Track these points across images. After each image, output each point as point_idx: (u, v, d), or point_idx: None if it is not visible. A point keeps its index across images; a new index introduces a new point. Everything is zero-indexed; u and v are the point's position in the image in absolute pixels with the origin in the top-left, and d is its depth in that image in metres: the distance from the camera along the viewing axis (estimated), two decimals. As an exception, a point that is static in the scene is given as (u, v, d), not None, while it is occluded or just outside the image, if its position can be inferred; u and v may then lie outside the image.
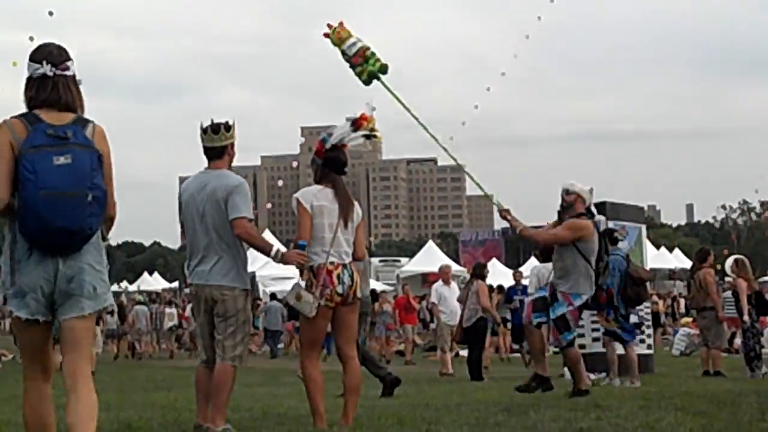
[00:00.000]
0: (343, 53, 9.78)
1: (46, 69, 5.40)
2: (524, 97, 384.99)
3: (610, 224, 17.01)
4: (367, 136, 8.43)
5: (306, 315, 7.94)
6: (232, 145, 8.14)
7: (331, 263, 7.97)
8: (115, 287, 75.39)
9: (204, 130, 8.06)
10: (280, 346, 35.52)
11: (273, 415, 9.56)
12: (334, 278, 7.95)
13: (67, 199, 5.11)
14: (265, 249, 7.93)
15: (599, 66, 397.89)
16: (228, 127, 8.07)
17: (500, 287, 23.30)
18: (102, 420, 9.16)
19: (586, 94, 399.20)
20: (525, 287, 21.76)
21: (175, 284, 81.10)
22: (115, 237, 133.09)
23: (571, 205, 10.92)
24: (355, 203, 8.29)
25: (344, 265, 8.04)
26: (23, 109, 5.41)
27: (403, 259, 60.33)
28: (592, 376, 14.98)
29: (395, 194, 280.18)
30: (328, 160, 8.30)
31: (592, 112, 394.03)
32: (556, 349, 21.65)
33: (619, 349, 14.97)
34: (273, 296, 33.09)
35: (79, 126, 5.31)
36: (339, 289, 7.94)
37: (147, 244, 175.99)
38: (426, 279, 46.59)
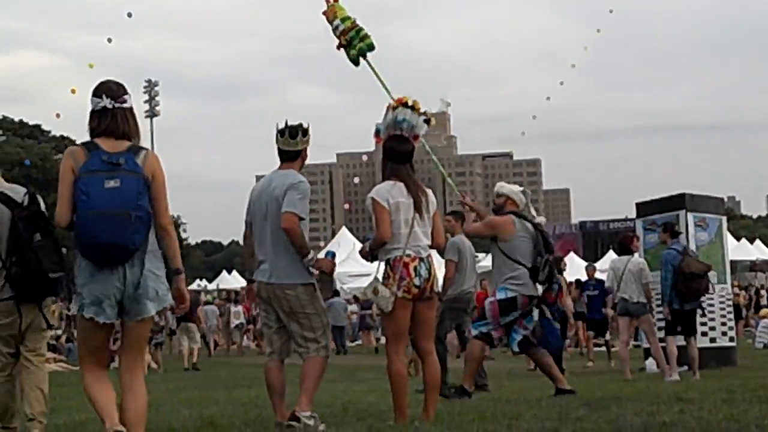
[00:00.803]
0: (334, 30, 10.01)
1: (106, 102, 6.11)
2: (600, 89, 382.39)
3: (690, 217, 16.88)
4: (426, 121, 8.40)
5: (383, 309, 7.97)
6: (306, 149, 8.23)
7: (408, 255, 7.98)
8: (194, 285, 76.15)
9: (281, 133, 8.15)
10: (359, 342, 35.72)
11: (353, 411, 9.59)
12: (411, 270, 7.95)
13: (114, 218, 5.81)
14: (302, 250, 7.94)
15: (675, 57, 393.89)
16: (305, 132, 8.15)
17: (578, 281, 23.07)
18: (185, 417, 9.32)
19: (662, 85, 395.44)
20: (598, 281, 21.80)
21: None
22: (193, 236, 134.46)
23: (501, 207, 11.14)
24: (428, 191, 8.25)
25: (421, 259, 8.05)
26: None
27: (481, 255, 60.11)
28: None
29: (471, 189, 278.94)
30: (388, 150, 8.30)
31: (668, 103, 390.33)
32: (637, 343, 21.55)
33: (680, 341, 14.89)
34: (336, 293, 33.58)
35: (131, 153, 6.01)
36: (416, 282, 7.94)
37: (225, 243, 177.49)
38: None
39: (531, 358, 10.87)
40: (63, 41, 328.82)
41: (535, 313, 10.92)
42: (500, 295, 10.87)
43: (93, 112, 6.15)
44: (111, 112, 6.10)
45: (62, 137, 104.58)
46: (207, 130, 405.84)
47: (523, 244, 10.83)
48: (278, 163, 8.23)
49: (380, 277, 7.99)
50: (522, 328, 10.91)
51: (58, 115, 71.66)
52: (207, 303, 38.49)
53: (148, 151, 6.13)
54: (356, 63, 9.93)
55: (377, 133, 8.41)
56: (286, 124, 8.15)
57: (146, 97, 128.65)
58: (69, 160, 6.02)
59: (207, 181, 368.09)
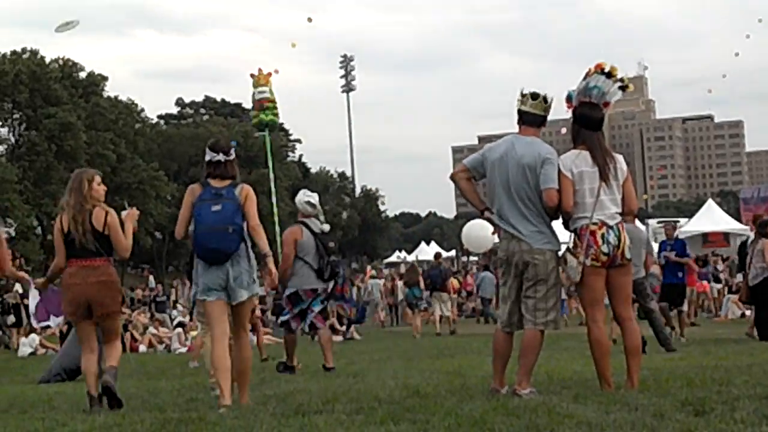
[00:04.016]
0: (252, 95, 12.08)
1: (220, 157, 8.64)
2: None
3: None
4: (621, 87, 8.28)
5: (572, 279, 7.96)
6: (545, 119, 8.20)
7: (594, 224, 7.92)
8: (393, 257, 76.98)
9: (523, 95, 8.18)
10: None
11: (558, 380, 9.55)
12: (598, 238, 7.91)
13: (217, 232, 8.33)
14: (553, 219, 8.12)
15: None
16: (545, 99, 8.14)
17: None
18: (391, 387, 9.46)
19: None
20: (677, 241, 19.64)
21: (452, 253, 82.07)
22: (391, 209, 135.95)
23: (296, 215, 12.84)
24: (618, 157, 8.18)
25: (609, 226, 7.97)
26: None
27: (682, 220, 58.93)
28: None
29: (670, 154, 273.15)
30: (579, 117, 8.22)
31: None
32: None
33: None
34: (486, 267, 33.86)
35: (231, 188, 8.53)
36: (604, 249, 7.90)
37: (423, 214, 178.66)
38: (707, 239, 45.37)
39: (319, 336, 13.21)
40: (259, 20, 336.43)
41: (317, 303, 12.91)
42: (287, 291, 12.88)
43: (210, 162, 8.62)
44: (222, 163, 8.61)
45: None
46: (402, 102, 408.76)
47: (307, 247, 12.74)
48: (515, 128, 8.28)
49: (570, 247, 7.98)
50: (310, 312, 12.87)
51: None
52: (372, 278, 38.77)
53: (243, 185, 8.61)
54: (261, 129, 11.68)
55: (569, 98, 8.35)
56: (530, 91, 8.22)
57: (342, 72, 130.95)
58: (189, 194, 8.58)
59: (403, 153, 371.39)
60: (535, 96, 8.17)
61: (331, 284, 13.00)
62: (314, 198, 13.11)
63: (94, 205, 8.94)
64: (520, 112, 8.24)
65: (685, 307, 19.58)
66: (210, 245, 8.33)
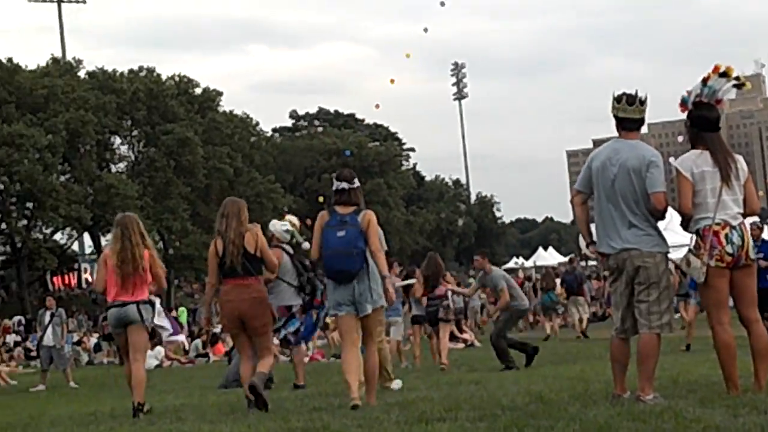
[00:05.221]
0: None
1: (345, 185, 9.57)
2: None
3: None
4: (736, 85, 8.14)
5: (697, 280, 7.87)
6: (644, 120, 8.12)
7: (717, 224, 7.80)
8: (511, 263, 76.69)
9: (617, 99, 8.09)
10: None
11: (683, 383, 9.44)
12: (722, 239, 7.78)
13: (342, 255, 9.29)
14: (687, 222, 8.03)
15: None
16: (642, 101, 8.06)
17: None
18: (513, 393, 9.44)
19: None
20: (765, 242, 17.66)
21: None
22: (507, 215, 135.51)
23: (270, 240, 13.26)
24: (738, 158, 8.04)
25: (732, 227, 7.84)
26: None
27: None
28: None
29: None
30: (695, 120, 8.11)
31: None
32: None
33: None
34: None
35: (354, 214, 9.45)
36: (728, 249, 7.78)
37: (539, 219, 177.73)
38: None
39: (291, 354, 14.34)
40: (369, 31, 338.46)
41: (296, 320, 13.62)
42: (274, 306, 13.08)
43: (336, 190, 9.58)
44: (347, 192, 9.55)
45: (376, 125, 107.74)
46: (515, 107, 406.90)
47: (285, 268, 13.44)
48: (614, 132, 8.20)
49: (692, 248, 7.87)
50: (284, 328, 13.48)
51: (377, 106, 74.09)
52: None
53: (366, 211, 9.54)
54: None
55: (683, 102, 8.25)
56: (624, 93, 8.11)
57: (453, 80, 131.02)
58: (319, 220, 9.49)
59: (517, 159, 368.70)
60: (630, 101, 8.05)
61: (307, 298, 13.79)
62: (287, 225, 14.28)
63: (247, 230, 10.03)
64: (617, 118, 8.12)
65: None
66: (336, 267, 9.35)
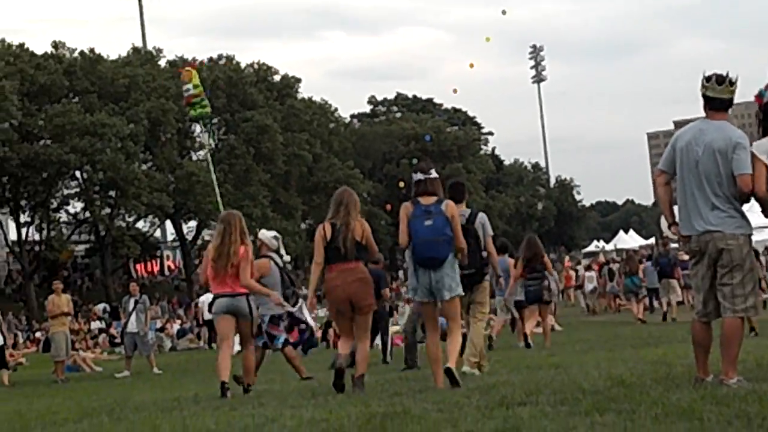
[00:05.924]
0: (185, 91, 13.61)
1: (421, 177, 10.08)
2: None
3: None
4: None
5: None
6: (732, 101, 8.01)
7: None
8: (591, 246, 76.16)
9: (707, 79, 8.00)
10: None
11: (766, 366, 9.30)
12: None
13: (431, 243, 9.84)
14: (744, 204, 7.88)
15: None
16: (732, 82, 7.95)
17: None
18: (594, 377, 9.37)
19: None
20: None
21: (651, 240, 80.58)
22: (587, 198, 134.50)
23: (259, 249, 14.32)
24: None
25: None
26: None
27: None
28: None
29: None
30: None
31: None
32: None
33: None
34: (649, 257, 33.24)
35: (438, 204, 9.96)
36: None
37: (620, 202, 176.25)
38: None
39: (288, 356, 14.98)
40: (445, 16, 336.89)
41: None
42: (266, 318, 14.08)
43: (416, 181, 10.08)
44: (424, 182, 10.06)
45: (454, 110, 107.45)
46: (594, 90, 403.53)
47: (275, 278, 14.12)
48: (701, 112, 8.12)
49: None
50: (277, 332, 14.25)
51: (455, 91, 73.89)
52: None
53: (447, 201, 10.11)
54: (195, 120, 13.01)
55: (760, 95, 8.15)
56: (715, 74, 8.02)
57: (532, 63, 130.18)
58: (404, 210, 10.02)
59: (597, 141, 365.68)
60: (720, 81, 7.94)
61: (292, 309, 14.37)
62: (274, 232, 15.08)
63: (357, 219, 10.50)
64: (706, 97, 8.02)
65: None
66: (426, 254, 9.87)
